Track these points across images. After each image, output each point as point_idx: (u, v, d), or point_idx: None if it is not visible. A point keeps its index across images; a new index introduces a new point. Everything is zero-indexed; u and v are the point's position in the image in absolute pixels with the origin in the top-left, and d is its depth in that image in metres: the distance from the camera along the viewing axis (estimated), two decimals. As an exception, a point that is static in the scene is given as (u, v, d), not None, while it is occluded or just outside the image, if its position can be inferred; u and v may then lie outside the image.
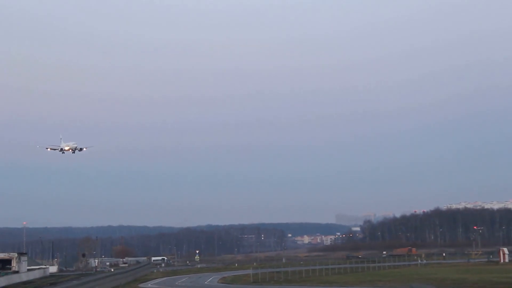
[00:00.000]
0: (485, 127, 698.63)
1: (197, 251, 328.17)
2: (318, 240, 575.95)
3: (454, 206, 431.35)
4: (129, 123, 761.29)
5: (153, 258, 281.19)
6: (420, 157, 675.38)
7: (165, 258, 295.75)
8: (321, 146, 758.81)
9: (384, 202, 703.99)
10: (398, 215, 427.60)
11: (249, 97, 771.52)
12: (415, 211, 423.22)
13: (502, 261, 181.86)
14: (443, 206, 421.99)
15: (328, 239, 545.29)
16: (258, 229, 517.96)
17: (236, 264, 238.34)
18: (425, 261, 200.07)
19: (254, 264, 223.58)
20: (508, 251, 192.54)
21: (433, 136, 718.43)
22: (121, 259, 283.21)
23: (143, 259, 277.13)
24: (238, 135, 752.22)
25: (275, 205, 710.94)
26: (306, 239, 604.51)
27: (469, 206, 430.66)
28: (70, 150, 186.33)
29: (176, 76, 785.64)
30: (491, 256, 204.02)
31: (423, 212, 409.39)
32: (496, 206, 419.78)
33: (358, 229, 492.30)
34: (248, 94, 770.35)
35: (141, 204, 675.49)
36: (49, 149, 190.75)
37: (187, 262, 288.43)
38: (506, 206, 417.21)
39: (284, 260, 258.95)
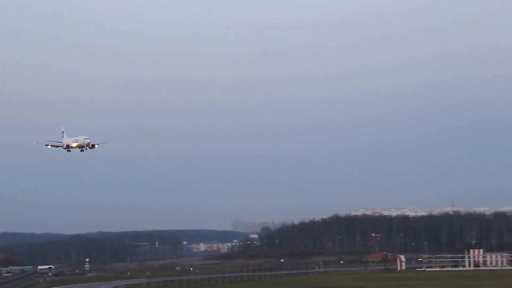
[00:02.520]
0: (382, 131, 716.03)
1: (87, 260, 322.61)
2: (215, 248, 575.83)
3: (353, 213, 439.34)
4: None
5: (39, 267, 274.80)
6: (321, 165, 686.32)
7: (53, 266, 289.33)
8: (217, 151, 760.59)
9: (283, 209, 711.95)
10: (297, 222, 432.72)
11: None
12: (314, 218, 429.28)
13: (399, 268, 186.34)
14: (342, 213, 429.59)
15: (225, 247, 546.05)
16: (152, 236, 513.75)
17: (129, 273, 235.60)
18: (322, 268, 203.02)
19: (148, 273, 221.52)
20: (405, 258, 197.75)
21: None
22: (4, 268, 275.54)
23: (28, 268, 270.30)
24: (130, 140, 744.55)
25: (170, 212, 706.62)
26: (202, 246, 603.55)
27: (368, 213, 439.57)
28: (78, 148, 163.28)
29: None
30: (388, 264, 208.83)
31: (322, 219, 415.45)
32: (394, 213, 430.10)
33: (255, 236, 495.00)
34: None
35: (27, 210, 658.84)
36: (49, 146, 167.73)
37: (76, 271, 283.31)
38: (403, 213, 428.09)
39: (178, 269, 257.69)
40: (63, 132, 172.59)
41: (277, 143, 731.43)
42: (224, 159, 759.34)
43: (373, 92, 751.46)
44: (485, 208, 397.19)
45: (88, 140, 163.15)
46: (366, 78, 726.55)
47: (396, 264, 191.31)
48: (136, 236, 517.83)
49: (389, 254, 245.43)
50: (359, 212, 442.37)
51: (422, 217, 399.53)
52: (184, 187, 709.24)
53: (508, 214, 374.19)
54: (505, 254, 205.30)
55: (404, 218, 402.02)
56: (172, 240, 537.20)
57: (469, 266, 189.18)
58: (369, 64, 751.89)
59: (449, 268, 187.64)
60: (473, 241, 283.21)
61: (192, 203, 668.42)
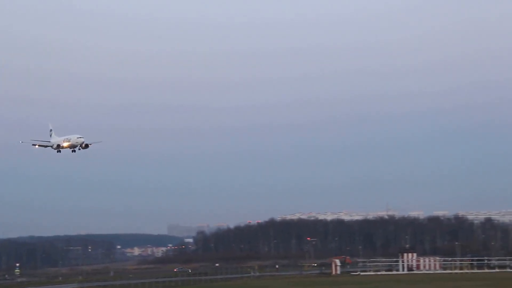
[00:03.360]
0: (317, 138, 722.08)
1: (17, 264, 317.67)
2: (149, 252, 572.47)
3: (288, 217, 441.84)
4: None
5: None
6: (257, 169, 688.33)
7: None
8: (152, 153, 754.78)
9: (219, 212, 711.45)
10: (232, 226, 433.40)
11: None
12: (250, 222, 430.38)
13: (334, 273, 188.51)
14: (278, 217, 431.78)
15: (159, 251, 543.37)
16: (85, 240, 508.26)
17: (61, 278, 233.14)
18: (258, 273, 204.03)
19: (80, 277, 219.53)
20: (340, 262, 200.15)
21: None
22: None
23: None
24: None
25: (104, 215, 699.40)
26: (137, 251, 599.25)
27: (304, 217, 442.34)
28: (70, 148, 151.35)
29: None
30: (323, 268, 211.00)
31: (258, 223, 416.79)
32: (330, 217, 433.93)
33: (191, 240, 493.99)
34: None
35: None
36: (37, 146, 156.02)
37: (6, 276, 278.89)
38: (339, 217, 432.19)
39: (112, 273, 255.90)
40: (51, 130, 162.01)
41: (212, 146, 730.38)
42: (158, 161, 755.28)
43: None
44: (419, 212, 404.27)
45: (82, 139, 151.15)
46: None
47: (331, 268, 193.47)
48: (69, 240, 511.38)
49: (348, 257, 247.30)
50: (295, 216, 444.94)
51: (357, 221, 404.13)
52: (119, 190, 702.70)
53: (441, 218, 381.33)
54: (438, 258, 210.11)
55: (339, 222, 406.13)
56: (105, 244, 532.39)
57: (403, 270, 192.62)
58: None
59: (383, 272, 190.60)
60: (407, 245, 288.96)
61: (127, 206, 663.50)
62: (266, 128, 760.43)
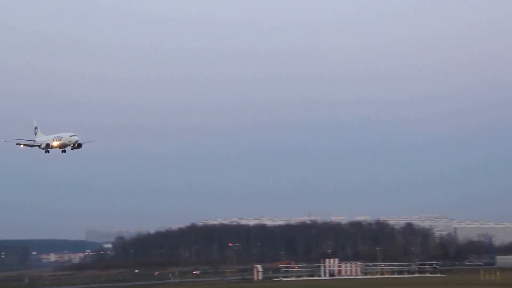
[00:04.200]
0: (240, 141, 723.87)
1: None
2: (66, 258, 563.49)
3: (210, 222, 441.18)
4: None
5: None
6: (179, 173, 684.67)
7: None
8: (73, 154, 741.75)
9: (140, 217, 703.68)
10: (153, 231, 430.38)
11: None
12: (171, 227, 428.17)
13: (256, 278, 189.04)
14: (200, 222, 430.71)
15: (77, 257, 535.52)
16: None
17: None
18: (178, 279, 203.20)
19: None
20: (262, 268, 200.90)
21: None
22: None
23: None
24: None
25: (18, 219, 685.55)
26: (53, 257, 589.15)
27: (226, 222, 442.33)
28: (60, 148, 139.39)
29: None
30: (245, 274, 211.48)
31: (179, 228, 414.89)
32: (252, 222, 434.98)
33: (110, 246, 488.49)
34: None
35: None
36: (22, 146, 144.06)
37: None
38: (261, 222, 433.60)
39: (27, 281, 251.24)
40: (36, 128, 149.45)
41: (135, 147, 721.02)
42: (76, 161, 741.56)
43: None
44: (341, 217, 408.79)
45: (75, 138, 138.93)
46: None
47: (252, 274, 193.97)
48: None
49: (292, 262, 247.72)
50: (217, 221, 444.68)
51: (279, 226, 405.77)
52: (33, 193, 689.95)
53: (363, 223, 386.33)
54: (359, 263, 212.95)
55: (261, 227, 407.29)
56: (20, 250, 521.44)
57: (325, 275, 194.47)
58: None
59: (306, 278, 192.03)
60: (329, 251, 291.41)
61: (43, 210, 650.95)
62: (187, 129, 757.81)
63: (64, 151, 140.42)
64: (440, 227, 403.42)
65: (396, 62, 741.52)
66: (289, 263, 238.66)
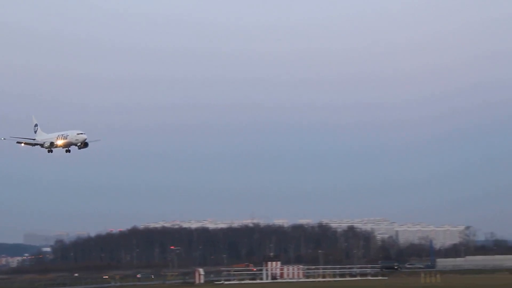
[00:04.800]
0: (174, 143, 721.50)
1: None
2: (3, 262, 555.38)
3: (152, 225, 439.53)
4: None
5: None
6: (119, 173, 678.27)
7: None
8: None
9: (80, 220, 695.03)
10: (93, 234, 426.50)
11: None
12: (111, 230, 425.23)
13: (197, 282, 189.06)
14: (141, 225, 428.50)
15: (15, 261, 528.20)
16: None
17: None
18: (119, 283, 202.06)
19: None
20: (204, 271, 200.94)
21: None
22: None
23: None
24: None
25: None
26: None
27: (168, 225, 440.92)
28: (64, 147, 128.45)
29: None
30: (186, 277, 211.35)
31: (120, 231, 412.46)
32: (194, 225, 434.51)
33: (49, 249, 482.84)
34: None
35: None
36: (22, 144, 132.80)
37: None
38: (203, 225, 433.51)
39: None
40: (36, 125, 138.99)
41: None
42: (10, 163, 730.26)
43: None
44: (283, 220, 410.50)
45: (83, 136, 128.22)
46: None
47: (194, 277, 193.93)
48: None
49: (251, 264, 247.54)
50: (159, 224, 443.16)
51: (222, 229, 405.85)
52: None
53: (306, 226, 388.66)
54: (301, 266, 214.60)
55: (204, 230, 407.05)
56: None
57: (267, 278, 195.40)
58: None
59: (247, 281, 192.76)
60: (271, 254, 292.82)
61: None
62: (126, 129, 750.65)
63: (68, 151, 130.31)
64: (382, 230, 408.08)
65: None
66: (248, 266, 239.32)
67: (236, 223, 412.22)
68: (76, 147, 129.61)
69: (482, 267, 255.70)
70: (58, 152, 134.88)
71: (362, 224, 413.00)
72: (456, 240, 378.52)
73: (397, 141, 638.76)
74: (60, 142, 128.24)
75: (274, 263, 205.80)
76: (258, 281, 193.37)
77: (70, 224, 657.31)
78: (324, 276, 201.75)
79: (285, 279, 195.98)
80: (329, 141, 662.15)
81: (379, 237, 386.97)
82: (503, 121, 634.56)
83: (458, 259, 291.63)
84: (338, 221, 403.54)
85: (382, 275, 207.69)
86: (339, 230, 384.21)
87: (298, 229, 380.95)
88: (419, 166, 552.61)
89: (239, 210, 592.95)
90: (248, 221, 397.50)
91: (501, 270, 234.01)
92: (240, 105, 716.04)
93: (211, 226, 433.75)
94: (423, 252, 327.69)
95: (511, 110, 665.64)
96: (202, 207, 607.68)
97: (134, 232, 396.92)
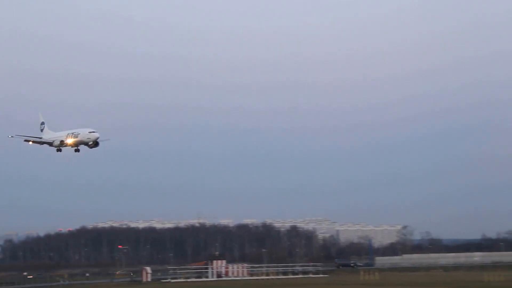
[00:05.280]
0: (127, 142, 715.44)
1: None
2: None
3: (100, 225, 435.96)
4: None
5: None
6: (67, 173, 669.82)
7: None
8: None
9: (29, 220, 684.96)
10: (42, 234, 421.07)
11: None
12: (60, 230, 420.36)
13: (145, 280, 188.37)
14: (90, 225, 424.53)
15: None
16: None
17: None
18: (68, 281, 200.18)
19: None
20: (151, 270, 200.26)
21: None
22: None
23: None
24: None
25: None
26: None
27: (116, 225, 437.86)
28: (74, 146, 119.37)
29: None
30: (134, 276, 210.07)
31: (69, 231, 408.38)
32: (142, 225, 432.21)
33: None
34: None
35: None
36: (31, 143, 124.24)
37: None
38: (151, 225, 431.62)
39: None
40: (42, 123, 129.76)
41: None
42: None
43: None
44: (229, 220, 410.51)
45: (96, 135, 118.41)
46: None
47: (141, 275, 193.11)
48: None
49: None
50: (107, 224, 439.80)
51: (169, 229, 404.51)
52: None
53: (250, 226, 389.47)
54: (246, 264, 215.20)
55: (151, 230, 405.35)
56: None
57: (212, 276, 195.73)
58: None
59: (193, 279, 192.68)
60: (217, 253, 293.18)
61: None
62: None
63: (77, 150, 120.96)
64: (323, 230, 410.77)
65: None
66: (206, 264, 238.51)
67: (183, 223, 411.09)
68: (87, 146, 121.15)
69: (418, 265, 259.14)
70: (66, 151, 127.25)
71: (305, 224, 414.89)
72: (393, 239, 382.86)
73: (338, 145, 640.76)
74: (70, 140, 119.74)
75: (219, 261, 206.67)
76: (203, 279, 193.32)
77: (20, 223, 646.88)
78: (267, 274, 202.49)
79: (230, 277, 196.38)
80: (271, 143, 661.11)
81: (320, 236, 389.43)
82: (446, 128, 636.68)
83: (395, 257, 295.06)
84: (282, 221, 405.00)
85: (323, 273, 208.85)
86: (282, 229, 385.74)
87: (243, 229, 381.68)
88: (359, 169, 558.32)
89: (186, 210, 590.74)
90: (194, 221, 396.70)
91: (435, 268, 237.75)
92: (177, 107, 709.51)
93: (158, 226, 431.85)
94: (363, 251, 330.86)
95: (448, 117, 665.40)
96: (150, 207, 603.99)
97: (82, 232, 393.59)
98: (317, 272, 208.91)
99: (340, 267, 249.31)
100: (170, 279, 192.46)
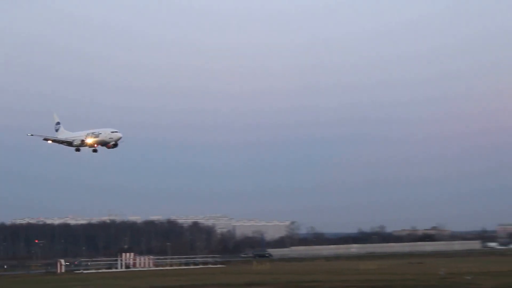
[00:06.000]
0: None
1: None
2: None
3: (18, 221, 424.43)
4: None
5: None
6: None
7: None
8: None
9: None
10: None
11: None
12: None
13: (59, 271, 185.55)
14: (8, 221, 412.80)
15: None
16: None
17: None
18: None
19: None
20: (65, 262, 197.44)
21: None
22: None
23: None
24: None
25: None
26: None
27: (32, 221, 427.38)
28: (92, 146, 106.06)
29: None
30: (49, 267, 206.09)
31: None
32: (57, 221, 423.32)
33: None
34: None
35: None
36: (50, 142, 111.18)
37: None
38: (65, 222, 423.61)
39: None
40: (58, 123, 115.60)
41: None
42: None
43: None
44: (137, 217, 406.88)
45: (118, 135, 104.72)
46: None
47: (56, 267, 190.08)
48: None
49: (136, 254, 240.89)
50: (24, 221, 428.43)
51: (82, 225, 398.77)
52: None
53: (156, 222, 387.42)
54: (152, 256, 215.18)
55: (65, 226, 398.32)
56: None
57: (121, 267, 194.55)
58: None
59: (104, 270, 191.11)
60: (126, 246, 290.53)
61: None
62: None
63: (95, 151, 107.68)
64: (221, 225, 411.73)
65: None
66: (134, 255, 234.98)
67: (95, 220, 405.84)
68: (104, 146, 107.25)
69: (304, 256, 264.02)
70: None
71: (205, 220, 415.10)
72: (283, 233, 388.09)
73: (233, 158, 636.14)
74: (90, 140, 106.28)
75: (127, 254, 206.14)
76: (113, 270, 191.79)
77: None
78: (171, 265, 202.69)
79: (137, 268, 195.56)
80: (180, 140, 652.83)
81: (219, 231, 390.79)
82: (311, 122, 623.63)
83: (284, 249, 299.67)
84: (184, 218, 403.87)
85: (221, 263, 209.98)
86: (185, 225, 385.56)
87: (150, 225, 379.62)
88: (253, 175, 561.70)
89: (98, 207, 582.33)
90: (105, 218, 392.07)
91: (319, 258, 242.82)
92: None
93: (72, 222, 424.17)
94: (256, 244, 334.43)
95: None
96: (65, 204, 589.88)
97: (1, 228, 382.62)
98: (215, 263, 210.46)
99: (256, 257, 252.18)
100: (83, 270, 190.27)
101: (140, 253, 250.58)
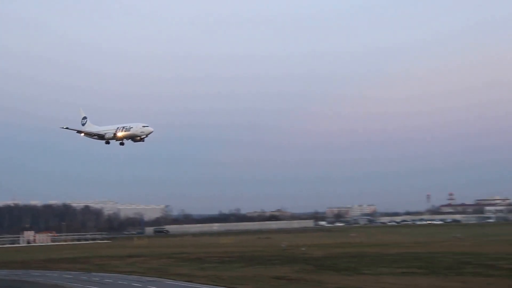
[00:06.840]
0: None
1: None
2: None
3: None
4: None
5: None
6: None
7: None
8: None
9: None
10: None
11: None
12: None
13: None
14: None
15: None
16: None
17: None
18: None
19: None
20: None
21: None
22: None
23: None
24: None
25: None
26: None
27: None
28: (121, 140, 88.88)
29: None
30: None
31: None
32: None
33: None
34: None
35: None
36: (82, 135, 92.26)
37: None
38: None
39: None
40: (84, 118, 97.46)
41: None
42: None
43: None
44: (37, 201, 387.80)
45: (150, 129, 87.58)
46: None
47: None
48: None
49: (54, 232, 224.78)
50: None
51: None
52: None
53: (54, 206, 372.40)
54: (49, 234, 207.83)
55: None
56: None
57: (23, 243, 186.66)
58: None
59: (8, 245, 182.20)
60: (27, 225, 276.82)
61: None
62: None
63: (122, 144, 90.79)
64: (108, 208, 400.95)
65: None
66: (52, 233, 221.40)
67: (1, 203, 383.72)
68: (131, 140, 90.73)
69: (176, 233, 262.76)
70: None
71: (95, 204, 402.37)
72: (159, 215, 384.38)
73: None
74: (120, 134, 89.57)
75: (29, 232, 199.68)
76: (16, 245, 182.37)
77: None
78: (65, 241, 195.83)
79: (37, 243, 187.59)
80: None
81: (106, 213, 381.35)
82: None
83: (159, 227, 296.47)
84: (77, 202, 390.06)
85: (107, 239, 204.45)
86: (78, 208, 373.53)
87: (48, 208, 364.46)
88: (134, 160, 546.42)
89: (3, 192, 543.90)
90: (10, 202, 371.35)
91: (187, 235, 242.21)
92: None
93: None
94: (137, 223, 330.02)
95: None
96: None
97: None
98: (102, 239, 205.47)
99: (156, 233, 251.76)
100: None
101: (40, 231, 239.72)
